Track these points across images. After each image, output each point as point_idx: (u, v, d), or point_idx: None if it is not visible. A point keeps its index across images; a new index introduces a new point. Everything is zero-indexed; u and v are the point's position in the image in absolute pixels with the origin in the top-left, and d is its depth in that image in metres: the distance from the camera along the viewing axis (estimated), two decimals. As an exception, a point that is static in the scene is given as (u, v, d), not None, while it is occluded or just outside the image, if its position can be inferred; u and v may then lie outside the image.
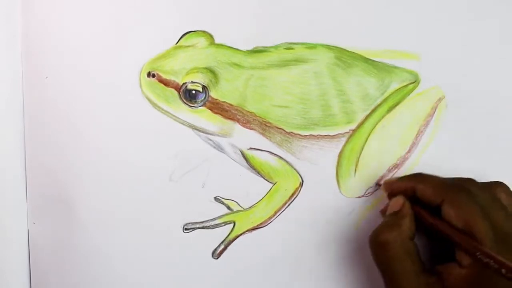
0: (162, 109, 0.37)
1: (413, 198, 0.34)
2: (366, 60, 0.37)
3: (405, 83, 0.37)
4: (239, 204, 0.38)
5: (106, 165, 0.38)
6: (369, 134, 0.37)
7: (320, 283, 0.38)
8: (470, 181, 0.34)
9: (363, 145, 0.37)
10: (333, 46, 0.37)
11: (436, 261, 0.33)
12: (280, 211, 0.38)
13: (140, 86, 0.37)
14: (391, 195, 0.35)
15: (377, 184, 0.38)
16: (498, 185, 0.34)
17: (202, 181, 0.38)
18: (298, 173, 0.38)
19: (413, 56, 0.37)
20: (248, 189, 0.38)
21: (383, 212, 0.36)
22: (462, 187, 0.33)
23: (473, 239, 0.30)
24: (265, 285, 0.38)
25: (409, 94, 0.37)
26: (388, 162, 0.37)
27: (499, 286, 0.30)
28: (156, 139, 0.38)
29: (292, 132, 0.37)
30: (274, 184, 0.38)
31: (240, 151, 0.38)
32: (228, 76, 0.37)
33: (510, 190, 0.34)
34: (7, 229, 0.39)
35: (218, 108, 0.37)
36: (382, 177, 0.37)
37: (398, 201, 0.34)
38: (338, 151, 0.38)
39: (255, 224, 0.38)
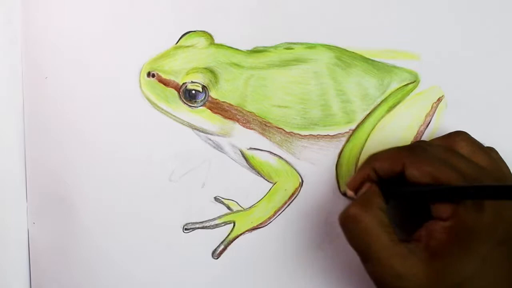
0: (162, 109, 0.37)
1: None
2: (366, 60, 0.37)
3: (405, 83, 0.37)
4: (239, 204, 0.38)
5: (106, 165, 0.38)
6: (369, 134, 0.37)
7: (320, 283, 0.38)
8: (422, 141, 0.33)
9: (363, 145, 0.37)
10: (333, 46, 0.37)
11: (407, 233, 0.32)
12: (280, 211, 0.38)
13: (140, 86, 0.37)
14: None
15: (343, 194, 0.37)
16: (457, 135, 0.34)
17: (202, 181, 0.38)
18: (298, 173, 0.38)
19: (413, 56, 0.37)
20: (248, 189, 0.38)
21: None
22: (417, 146, 0.32)
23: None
24: (265, 285, 0.38)
25: (409, 94, 0.37)
26: (388, 162, 0.37)
27: (482, 231, 0.29)
28: (156, 139, 0.38)
29: (292, 132, 0.37)
30: (274, 184, 0.38)
31: (240, 151, 0.38)
32: (228, 76, 0.37)
33: (471, 138, 0.34)
34: (7, 229, 0.39)
35: (218, 108, 0.37)
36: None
37: (366, 185, 0.33)
38: (338, 151, 0.38)
39: (255, 224, 0.38)
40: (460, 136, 0.34)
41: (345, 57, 0.37)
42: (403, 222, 0.34)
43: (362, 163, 0.35)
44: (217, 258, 0.38)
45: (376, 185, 0.33)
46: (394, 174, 0.32)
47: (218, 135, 0.38)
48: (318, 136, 0.37)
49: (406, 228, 0.33)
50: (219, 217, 0.38)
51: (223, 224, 0.38)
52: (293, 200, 0.38)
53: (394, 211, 0.34)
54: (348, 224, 0.31)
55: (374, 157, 0.34)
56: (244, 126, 0.37)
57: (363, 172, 0.34)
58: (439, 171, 0.30)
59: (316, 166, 0.38)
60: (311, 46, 0.37)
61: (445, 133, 0.35)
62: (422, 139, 0.37)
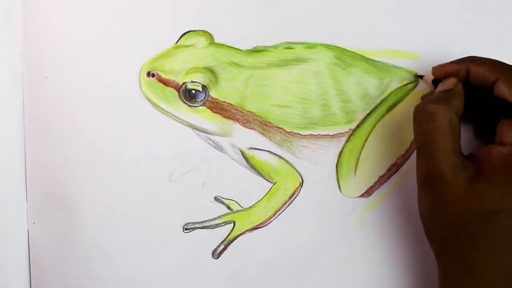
0: (162, 109, 0.37)
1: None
2: (366, 59, 0.38)
3: (404, 83, 0.37)
4: (239, 204, 0.38)
5: (106, 165, 0.38)
6: (369, 134, 0.37)
7: (320, 283, 0.38)
8: None
9: (363, 145, 0.37)
10: (333, 46, 0.38)
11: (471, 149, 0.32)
12: (280, 211, 0.38)
13: (140, 85, 0.37)
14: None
15: (419, 77, 0.37)
16: None
17: (202, 181, 0.38)
18: (298, 172, 0.38)
19: (413, 56, 0.37)
20: (248, 189, 0.38)
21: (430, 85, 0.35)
22: None
23: None
24: (265, 285, 0.38)
25: (408, 94, 0.37)
26: (388, 162, 0.37)
27: None
28: (156, 139, 0.38)
29: (292, 132, 0.37)
30: (274, 184, 0.38)
31: (240, 151, 0.38)
32: (228, 76, 0.37)
33: None
34: (7, 229, 0.39)
35: (218, 107, 0.37)
36: (382, 177, 0.37)
37: (452, 81, 0.33)
38: (338, 150, 0.38)
39: (255, 224, 0.38)
40: None
41: (345, 57, 0.37)
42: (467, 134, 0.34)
43: (459, 59, 0.34)
44: (217, 258, 0.38)
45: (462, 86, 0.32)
46: (482, 83, 0.32)
47: (218, 135, 0.38)
48: (318, 135, 0.37)
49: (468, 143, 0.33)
50: (219, 217, 0.38)
51: (223, 224, 0.38)
52: (293, 200, 0.38)
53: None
54: (422, 118, 0.31)
55: (473, 58, 0.33)
56: (244, 126, 0.37)
57: (456, 66, 0.33)
58: None
59: (316, 165, 0.38)
60: (311, 46, 0.37)
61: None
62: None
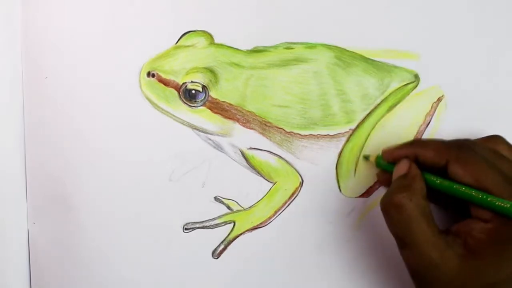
0: (162, 109, 0.37)
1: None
2: (366, 59, 0.38)
3: (404, 83, 0.37)
4: (239, 204, 0.38)
5: (106, 165, 0.38)
6: (369, 134, 0.37)
7: (320, 283, 0.38)
8: (468, 140, 0.33)
9: (363, 145, 0.37)
10: (333, 46, 0.38)
11: (446, 224, 0.32)
12: (280, 211, 0.38)
13: (140, 86, 0.37)
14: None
15: (365, 157, 0.37)
16: (497, 138, 0.34)
17: (202, 181, 0.38)
18: (298, 173, 0.38)
19: (413, 56, 0.37)
20: (248, 189, 0.38)
21: (382, 179, 0.36)
22: (464, 144, 0.32)
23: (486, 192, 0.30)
24: (265, 285, 0.38)
25: (408, 94, 0.37)
26: (388, 162, 0.37)
27: None
28: (156, 139, 0.38)
29: (292, 132, 0.37)
30: (274, 184, 0.38)
31: (240, 151, 0.38)
32: (228, 76, 0.37)
33: (508, 142, 0.34)
34: (7, 229, 0.39)
35: (218, 107, 0.37)
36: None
37: (404, 164, 0.33)
38: (338, 150, 0.38)
39: (255, 224, 0.38)
40: (499, 138, 0.34)
41: (345, 57, 0.37)
42: (438, 210, 0.34)
43: (408, 142, 0.34)
44: (217, 258, 0.38)
45: (417, 167, 0.32)
46: (434, 166, 0.32)
47: (218, 135, 0.38)
48: (318, 135, 0.37)
49: (441, 217, 0.33)
50: (219, 217, 0.38)
51: (223, 224, 0.38)
52: (293, 200, 0.38)
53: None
54: (391, 211, 0.31)
55: (421, 143, 0.34)
56: (244, 126, 0.37)
57: (406, 151, 0.33)
58: (483, 174, 0.30)
59: (316, 166, 0.38)
60: (311, 46, 0.37)
61: (444, 133, 0.35)
62: (422, 138, 0.37)
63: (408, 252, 0.30)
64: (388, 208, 0.31)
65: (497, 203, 0.29)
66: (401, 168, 0.33)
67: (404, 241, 0.31)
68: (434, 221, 0.30)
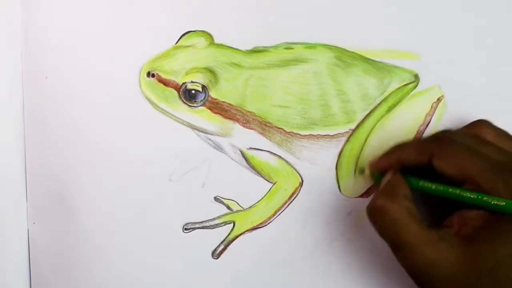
0: (162, 109, 0.37)
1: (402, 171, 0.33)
2: (366, 60, 0.37)
3: (404, 83, 0.37)
4: (239, 204, 0.38)
5: (106, 165, 0.38)
6: (369, 134, 0.37)
7: (320, 283, 0.38)
8: (448, 130, 0.33)
9: (363, 145, 0.37)
10: (333, 46, 0.37)
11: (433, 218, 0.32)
12: (280, 211, 0.38)
13: (140, 86, 0.37)
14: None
15: (361, 171, 0.37)
16: (480, 123, 0.33)
17: (202, 181, 0.38)
18: (298, 173, 0.38)
19: (413, 56, 0.37)
20: (248, 189, 0.38)
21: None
22: (443, 137, 0.32)
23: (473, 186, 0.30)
24: (265, 285, 0.38)
25: (408, 94, 0.37)
26: (388, 162, 0.37)
27: None
28: (156, 139, 0.38)
29: (292, 132, 0.37)
30: (274, 184, 0.38)
31: (240, 151, 0.38)
32: (228, 76, 0.37)
33: (494, 125, 0.33)
34: (7, 229, 0.39)
35: (217, 108, 0.37)
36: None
37: (388, 175, 0.33)
38: (338, 150, 0.38)
39: (255, 224, 0.38)
40: (484, 123, 0.33)
41: (345, 57, 0.37)
42: (429, 208, 0.34)
43: (388, 151, 0.35)
44: (217, 258, 0.38)
45: (400, 173, 0.33)
46: (420, 164, 0.32)
47: (218, 135, 0.38)
48: (318, 136, 0.37)
49: (433, 214, 0.33)
50: (219, 217, 0.38)
51: (223, 224, 0.38)
52: (293, 200, 0.38)
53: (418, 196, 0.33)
54: (376, 215, 0.31)
55: (400, 148, 0.34)
56: (244, 126, 0.37)
57: (390, 158, 0.34)
58: (466, 163, 0.30)
59: (316, 166, 0.38)
60: (311, 46, 0.37)
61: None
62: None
63: (402, 254, 0.30)
64: (372, 212, 0.31)
65: (492, 202, 0.29)
66: (386, 177, 0.33)
67: (396, 244, 0.30)
68: (421, 220, 0.30)
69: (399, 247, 0.30)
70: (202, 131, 0.38)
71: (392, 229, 0.30)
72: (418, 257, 0.29)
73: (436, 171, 0.31)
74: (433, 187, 0.32)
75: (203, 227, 0.38)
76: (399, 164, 0.33)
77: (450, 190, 0.31)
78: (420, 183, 0.32)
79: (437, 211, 0.33)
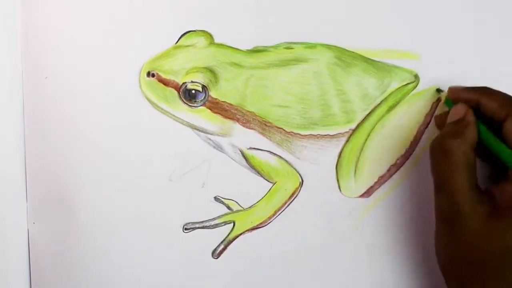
0: (162, 109, 0.37)
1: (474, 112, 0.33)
2: (366, 60, 0.38)
3: (404, 83, 0.37)
4: (239, 204, 0.38)
5: (106, 165, 0.38)
6: (369, 134, 0.37)
7: (320, 283, 0.38)
8: None
9: (363, 145, 0.37)
10: (333, 46, 0.38)
11: (486, 183, 0.32)
12: (280, 211, 0.38)
13: (140, 86, 0.37)
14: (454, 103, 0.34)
15: (437, 91, 0.37)
16: None
17: (202, 181, 0.38)
18: (298, 173, 0.38)
19: (413, 56, 0.37)
20: (248, 189, 0.38)
21: (439, 121, 0.36)
22: None
23: None
24: (265, 285, 0.38)
25: (408, 94, 0.37)
26: (387, 162, 0.37)
27: None
28: (156, 139, 0.38)
29: (292, 132, 0.37)
30: (274, 184, 0.38)
31: (240, 151, 0.38)
32: (228, 76, 0.37)
33: None
34: (7, 229, 0.39)
35: (218, 107, 0.37)
36: (382, 177, 0.37)
37: (461, 109, 0.33)
38: (338, 150, 0.38)
39: (255, 224, 0.38)
40: None
41: (345, 57, 0.37)
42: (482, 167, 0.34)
43: (475, 87, 0.34)
44: (217, 258, 0.38)
45: (474, 115, 0.32)
46: (492, 117, 0.32)
47: (218, 135, 0.38)
48: (318, 135, 0.37)
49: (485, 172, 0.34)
50: (219, 217, 0.38)
51: (223, 224, 0.38)
52: (293, 200, 0.38)
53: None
54: (439, 155, 0.32)
55: (487, 92, 0.33)
56: (244, 126, 0.37)
57: (471, 95, 0.33)
58: None
59: (316, 166, 0.38)
60: (311, 46, 0.37)
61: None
62: (422, 139, 0.37)
63: (442, 197, 0.31)
64: (437, 151, 0.32)
65: None
66: (457, 111, 0.33)
67: (443, 187, 0.31)
68: (475, 175, 0.31)
69: (443, 190, 0.31)
70: (202, 131, 0.38)
71: (448, 173, 0.31)
72: (454, 207, 0.30)
73: (502, 134, 0.31)
74: (497, 145, 0.31)
75: (203, 227, 0.38)
76: (476, 106, 0.33)
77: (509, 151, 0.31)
78: (487, 136, 0.32)
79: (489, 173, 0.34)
